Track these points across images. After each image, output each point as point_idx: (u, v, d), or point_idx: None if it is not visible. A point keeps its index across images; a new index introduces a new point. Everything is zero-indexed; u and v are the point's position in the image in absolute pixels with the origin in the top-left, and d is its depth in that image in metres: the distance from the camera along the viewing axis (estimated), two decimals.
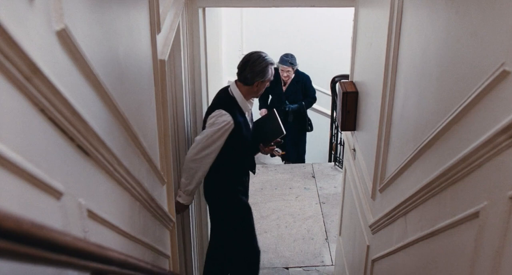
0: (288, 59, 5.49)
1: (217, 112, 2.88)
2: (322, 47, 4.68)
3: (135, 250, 1.63)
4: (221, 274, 3.42)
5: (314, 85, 5.92)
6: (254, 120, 3.31)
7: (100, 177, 1.22)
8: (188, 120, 3.08)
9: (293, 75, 5.65)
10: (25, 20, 0.76)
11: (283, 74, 5.54)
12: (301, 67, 5.53)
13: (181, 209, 2.92)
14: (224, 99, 3.02)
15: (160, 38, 1.97)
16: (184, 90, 2.81)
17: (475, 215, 1.22)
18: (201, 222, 3.63)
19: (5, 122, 0.71)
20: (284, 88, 5.62)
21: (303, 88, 5.66)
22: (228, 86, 3.12)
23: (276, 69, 5.19)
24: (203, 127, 2.95)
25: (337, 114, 3.25)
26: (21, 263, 0.58)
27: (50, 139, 0.89)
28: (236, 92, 3.04)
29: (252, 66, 2.98)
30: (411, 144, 1.80)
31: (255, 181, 5.39)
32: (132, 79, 1.58)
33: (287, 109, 5.59)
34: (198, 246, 3.65)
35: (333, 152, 5.65)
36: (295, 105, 5.61)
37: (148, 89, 1.86)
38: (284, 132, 3.19)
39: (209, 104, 3.48)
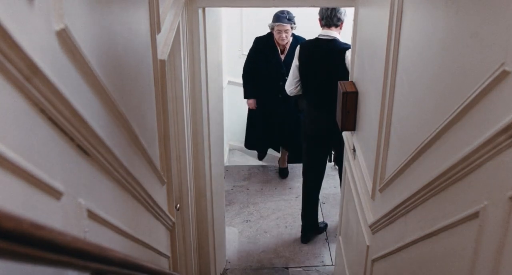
0: (285, 15, 4.37)
1: None
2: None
3: (135, 250, 1.63)
4: None
5: None
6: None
7: (100, 177, 1.22)
8: (188, 120, 3.08)
9: (291, 39, 4.57)
10: (25, 20, 0.76)
11: (281, 36, 4.43)
12: None
13: None
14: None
15: (160, 38, 1.97)
16: (184, 90, 2.81)
17: (475, 215, 1.22)
18: (201, 222, 3.63)
19: (5, 122, 0.71)
20: (282, 56, 4.58)
21: None
22: None
23: (270, 35, 4.66)
24: None
25: (337, 114, 3.25)
26: (21, 263, 0.58)
27: (50, 139, 0.89)
28: None
29: None
30: (411, 143, 1.80)
31: (255, 181, 5.39)
32: (132, 79, 1.58)
33: None
34: (198, 246, 3.65)
35: (333, 152, 5.65)
36: None
37: (148, 89, 1.86)
38: None
39: (209, 104, 3.48)
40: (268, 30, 4.73)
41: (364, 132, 2.83)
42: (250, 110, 5.12)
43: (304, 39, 4.42)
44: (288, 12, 4.40)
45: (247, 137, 5.33)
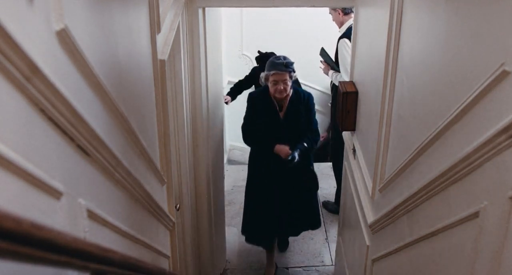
0: (281, 62, 3.35)
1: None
2: (323, 47, 4.67)
3: (135, 250, 1.63)
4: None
5: (315, 85, 5.90)
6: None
7: (100, 177, 1.22)
8: (188, 120, 3.08)
9: (291, 91, 3.49)
10: (25, 20, 0.76)
11: (278, 88, 3.32)
12: (302, 67, 5.49)
13: None
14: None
15: (160, 38, 1.97)
16: (184, 90, 2.81)
17: (475, 215, 1.22)
18: (201, 222, 3.63)
19: (5, 122, 0.71)
20: (281, 114, 3.46)
21: (305, 113, 3.61)
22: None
23: (265, 89, 3.58)
24: None
25: (337, 114, 3.25)
26: (21, 263, 0.58)
27: (50, 139, 0.89)
28: None
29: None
30: (411, 143, 1.80)
31: None
32: (132, 79, 1.58)
33: (290, 158, 3.48)
34: (198, 246, 3.65)
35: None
36: (300, 146, 3.56)
37: (148, 89, 1.86)
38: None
39: (209, 104, 3.48)
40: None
41: (364, 132, 2.83)
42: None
43: (306, 91, 3.63)
44: (285, 57, 3.41)
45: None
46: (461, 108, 1.30)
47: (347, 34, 3.97)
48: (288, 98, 3.51)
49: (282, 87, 3.38)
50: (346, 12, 4.10)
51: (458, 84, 1.35)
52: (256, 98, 3.61)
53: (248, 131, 3.63)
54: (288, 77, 3.38)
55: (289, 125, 3.53)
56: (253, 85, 4.79)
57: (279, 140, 3.52)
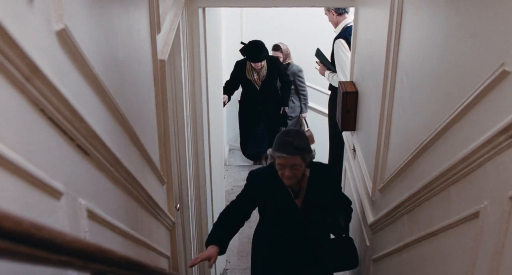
0: (291, 141, 2.36)
1: None
2: (323, 47, 4.66)
3: (135, 250, 1.63)
4: None
5: (314, 84, 5.90)
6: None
7: (100, 177, 1.22)
8: (188, 120, 3.07)
9: (308, 171, 2.57)
10: (25, 20, 0.76)
11: (286, 173, 2.39)
12: (302, 67, 5.50)
13: None
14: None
15: (160, 38, 1.97)
16: (184, 90, 2.81)
17: (475, 215, 1.22)
18: (201, 222, 3.63)
19: (5, 122, 0.71)
20: (298, 201, 2.54)
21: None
22: None
23: (272, 168, 2.69)
24: None
25: (337, 114, 3.25)
26: (21, 263, 0.58)
27: (50, 139, 0.89)
28: None
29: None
30: (411, 143, 1.80)
31: None
32: (132, 79, 1.58)
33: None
34: (198, 246, 3.65)
35: None
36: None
37: (148, 89, 1.86)
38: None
39: (209, 104, 3.48)
40: None
41: (364, 132, 2.83)
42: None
43: (322, 165, 2.66)
44: (296, 135, 2.37)
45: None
46: (461, 108, 1.30)
47: (342, 35, 3.98)
48: (306, 181, 2.50)
49: (290, 174, 2.35)
50: (340, 12, 4.10)
51: (458, 84, 1.35)
52: (260, 179, 2.54)
53: (230, 213, 2.58)
54: (300, 161, 2.32)
55: (309, 216, 2.55)
56: (240, 84, 5.30)
57: (297, 233, 2.57)
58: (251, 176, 2.58)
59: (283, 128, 5.13)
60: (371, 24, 2.65)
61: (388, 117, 2.19)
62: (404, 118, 1.97)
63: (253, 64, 5.08)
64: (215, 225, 2.56)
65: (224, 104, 4.84)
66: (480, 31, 1.21)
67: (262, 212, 2.64)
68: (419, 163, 1.74)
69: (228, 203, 2.66)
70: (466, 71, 1.30)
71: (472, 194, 1.26)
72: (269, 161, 2.60)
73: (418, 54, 1.78)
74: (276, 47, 5.47)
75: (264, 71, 5.18)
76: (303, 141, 2.34)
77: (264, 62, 5.09)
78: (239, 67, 5.20)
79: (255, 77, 5.20)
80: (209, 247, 2.40)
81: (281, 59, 5.40)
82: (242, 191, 2.59)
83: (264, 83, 5.22)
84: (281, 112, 5.40)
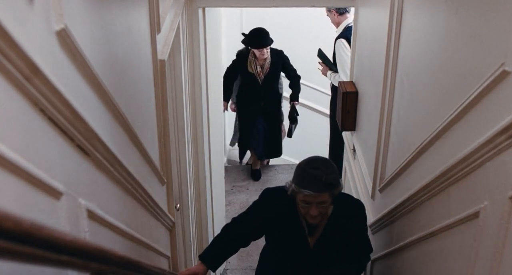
0: (321, 176, 1.91)
1: None
2: (323, 47, 4.66)
3: (135, 250, 1.63)
4: None
5: (315, 85, 5.90)
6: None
7: (100, 177, 1.22)
8: (188, 120, 3.08)
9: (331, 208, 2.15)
10: (25, 20, 0.76)
11: (311, 212, 1.99)
12: (302, 67, 5.48)
13: None
14: None
15: (160, 38, 1.97)
16: (184, 90, 2.81)
17: (475, 215, 1.22)
18: (201, 222, 3.63)
19: (5, 122, 0.71)
20: (311, 239, 2.14)
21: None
22: None
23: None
24: None
25: (337, 114, 3.25)
26: (21, 263, 0.58)
27: (50, 138, 0.89)
28: None
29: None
30: (411, 143, 1.80)
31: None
32: (132, 79, 1.58)
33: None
34: (198, 246, 3.65)
35: None
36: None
37: (148, 89, 1.86)
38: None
39: (209, 104, 3.48)
40: None
41: (364, 132, 2.83)
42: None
43: (350, 199, 2.24)
44: (324, 166, 1.93)
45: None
46: (461, 108, 1.30)
47: (344, 35, 3.98)
48: (327, 217, 2.09)
49: (317, 212, 1.96)
50: (341, 12, 4.12)
51: (458, 84, 1.35)
52: (274, 201, 2.15)
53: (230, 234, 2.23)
54: (327, 198, 1.93)
55: (322, 258, 2.16)
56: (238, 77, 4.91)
57: (304, 271, 2.21)
58: (266, 195, 2.18)
59: (294, 126, 5.08)
60: (371, 24, 2.65)
61: (388, 117, 2.19)
62: (404, 118, 1.97)
63: (257, 53, 4.61)
64: (214, 240, 2.26)
65: (225, 110, 4.79)
66: (480, 31, 1.21)
67: (269, 240, 2.29)
68: (419, 163, 1.74)
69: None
70: (466, 71, 1.30)
71: (472, 194, 1.26)
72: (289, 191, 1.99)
73: (418, 54, 1.78)
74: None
75: (268, 64, 4.73)
76: (333, 173, 1.90)
77: (268, 53, 4.67)
78: (240, 58, 4.76)
79: (258, 70, 4.74)
80: (199, 263, 2.15)
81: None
82: (250, 210, 2.21)
83: (267, 77, 4.78)
84: (290, 108, 4.99)
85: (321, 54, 4.38)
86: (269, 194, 2.18)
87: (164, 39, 2.12)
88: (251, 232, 2.20)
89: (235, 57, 4.89)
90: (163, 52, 2.02)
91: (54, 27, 0.89)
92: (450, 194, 1.44)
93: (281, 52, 4.83)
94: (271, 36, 4.77)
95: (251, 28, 5.05)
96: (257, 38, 4.57)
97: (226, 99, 4.77)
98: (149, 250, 1.87)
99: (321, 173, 1.87)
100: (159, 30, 1.93)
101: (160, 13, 1.94)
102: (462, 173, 1.31)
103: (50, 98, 0.85)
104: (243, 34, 4.72)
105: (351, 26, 3.75)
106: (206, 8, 3.16)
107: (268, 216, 2.12)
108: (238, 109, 5.12)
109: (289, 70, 4.88)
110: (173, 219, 2.40)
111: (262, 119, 5.00)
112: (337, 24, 4.22)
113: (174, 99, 2.74)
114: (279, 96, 5.02)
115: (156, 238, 2.05)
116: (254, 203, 2.23)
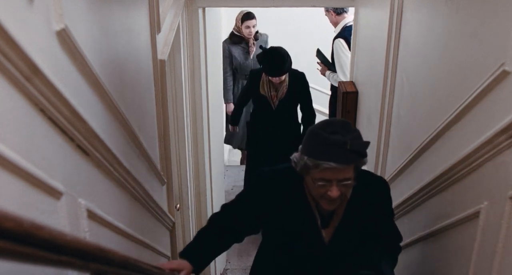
0: (344, 141, 1.38)
1: None
2: (323, 47, 4.65)
3: (135, 250, 1.63)
4: None
5: (314, 84, 5.89)
6: None
7: (100, 177, 1.22)
8: (188, 120, 3.08)
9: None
10: (25, 20, 0.76)
11: (332, 194, 1.44)
12: (302, 66, 5.47)
13: None
14: None
15: (160, 38, 1.97)
16: (184, 90, 2.81)
17: (475, 215, 1.22)
18: (201, 222, 3.63)
19: (5, 122, 0.71)
20: (326, 233, 1.59)
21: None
22: None
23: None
24: None
25: (337, 114, 3.26)
26: (21, 263, 0.58)
27: (50, 138, 0.89)
28: None
29: None
30: (411, 144, 1.80)
31: None
32: (132, 79, 1.58)
33: None
34: None
35: None
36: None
37: (148, 89, 1.86)
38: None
39: (209, 104, 3.48)
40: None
41: (364, 132, 2.83)
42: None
43: (372, 176, 1.77)
44: (344, 128, 1.44)
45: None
46: (461, 108, 1.30)
47: (342, 34, 3.99)
48: (345, 203, 1.57)
49: (337, 194, 1.45)
50: (338, 12, 4.14)
51: (458, 84, 1.35)
52: (270, 188, 1.63)
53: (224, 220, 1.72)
54: (352, 173, 1.46)
55: (340, 256, 1.63)
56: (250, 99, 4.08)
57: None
58: (259, 181, 1.66)
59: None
60: (371, 24, 2.65)
61: (388, 117, 2.19)
62: (404, 118, 1.97)
63: (271, 78, 3.70)
64: (199, 234, 1.73)
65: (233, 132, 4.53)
66: (480, 31, 1.21)
67: (267, 236, 1.77)
68: (419, 163, 1.74)
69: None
70: (466, 71, 1.30)
71: (472, 194, 1.26)
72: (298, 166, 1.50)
73: (418, 54, 1.78)
74: (251, 15, 4.43)
75: (284, 88, 3.76)
76: (359, 137, 1.44)
77: (286, 76, 3.69)
78: (253, 78, 3.86)
79: (272, 93, 3.79)
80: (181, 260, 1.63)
81: (256, 28, 4.44)
82: (244, 195, 1.72)
83: (282, 102, 3.79)
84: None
85: (319, 54, 4.39)
86: (264, 178, 1.65)
87: (164, 39, 2.12)
88: (245, 223, 1.68)
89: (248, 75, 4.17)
90: (163, 52, 2.02)
91: (54, 27, 0.89)
92: (450, 194, 1.44)
93: (302, 75, 3.82)
94: (270, 36, 4.75)
95: None
96: (272, 63, 3.58)
97: (234, 123, 4.27)
98: (149, 250, 1.87)
99: (344, 138, 1.39)
100: (159, 30, 1.93)
101: (160, 13, 1.94)
102: (462, 173, 1.31)
103: (50, 98, 0.85)
104: (260, 47, 3.87)
105: (349, 26, 3.75)
106: (206, 8, 3.16)
107: (266, 203, 1.61)
108: (248, 140, 4.28)
109: (307, 101, 3.91)
110: (173, 219, 2.40)
111: (272, 156, 3.68)
112: (335, 24, 4.24)
113: (174, 99, 2.74)
114: (296, 127, 3.99)
115: (156, 238, 2.05)
116: (245, 191, 1.76)
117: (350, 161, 1.40)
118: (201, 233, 1.72)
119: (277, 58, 3.56)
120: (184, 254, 1.65)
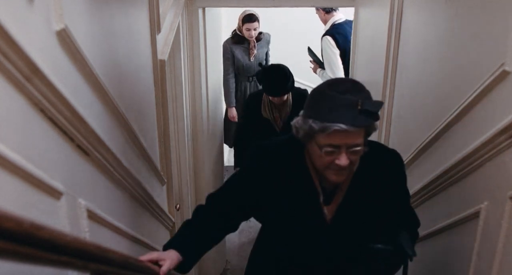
0: (353, 101, 1.21)
1: None
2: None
3: (135, 250, 1.63)
4: None
5: (308, 82, 5.89)
6: None
7: (100, 177, 1.22)
8: (188, 120, 3.08)
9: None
10: (25, 20, 0.76)
11: (340, 162, 1.27)
12: (302, 66, 5.46)
13: None
14: None
15: (160, 38, 1.97)
16: (184, 90, 2.81)
17: (475, 215, 1.22)
18: None
19: (5, 122, 0.71)
20: (328, 210, 1.40)
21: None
22: None
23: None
24: None
25: None
26: (21, 263, 0.58)
27: (50, 139, 0.89)
28: None
29: None
30: (411, 143, 1.80)
31: None
32: (132, 79, 1.58)
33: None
34: None
35: None
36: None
37: (148, 89, 1.86)
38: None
39: (209, 104, 3.48)
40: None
41: None
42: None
43: (381, 148, 1.59)
44: (355, 88, 1.27)
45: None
46: (461, 108, 1.30)
47: (330, 32, 4.05)
48: (351, 175, 1.39)
49: (347, 162, 1.28)
50: (327, 11, 4.22)
51: (458, 84, 1.35)
52: (267, 162, 1.45)
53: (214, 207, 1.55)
54: (362, 139, 1.29)
55: (344, 237, 1.45)
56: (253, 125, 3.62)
57: (319, 261, 1.49)
58: (254, 155, 1.47)
59: None
60: (371, 24, 2.65)
61: (388, 118, 2.19)
62: (404, 118, 1.97)
63: (272, 98, 3.37)
64: (183, 226, 1.54)
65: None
66: (480, 32, 1.21)
67: (264, 220, 1.59)
68: (419, 163, 1.74)
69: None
70: (466, 72, 1.30)
71: (472, 194, 1.26)
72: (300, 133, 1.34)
73: (418, 54, 1.78)
74: (253, 18, 4.16)
75: (288, 108, 3.43)
76: (370, 97, 1.27)
77: (289, 94, 3.36)
78: (252, 101, 3.51)
79: (275, 115, 3.49)
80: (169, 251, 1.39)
81: (258, 30, 4.23)
82: (234, 179, 1.52)
83: (286, 123, 3.34)
84: None
85: (311, 52, 4.43)
86: (260, 152, 1.46)
87: (164, 39, 2.12)
88: (237, 214, 1.50)
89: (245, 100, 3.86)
90: (163, 52, 2.02)
91: (54, 27, 0.89)
92: (450, 194, 1.44)
93: (305, 92, 3.42)
94: (271, 36, 4.73)
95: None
96: (273, 83, 3.24)
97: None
98: (149, 250, 1.87)
99: (354, 97, 1.22)
100: (159, 30, 1.93)
101: (160, 13, 1.94)
102: (462, 173, 1.31)
103: (50, 99, 0.85)
104: (259, 65, 3.71)
105: (338, 24, 3.86)
106: (206, 8, 3.16)
107: (262, 179, 1.41)
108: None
109: None
110: (173, 219, 2.40)
111: None
112: (324, 22, 4.31)
113: (174, 99, 2.74)
114: None
115: (156, 238, 2.05)
116: (240, 170, 1.54)
117: (362, 123, 1.22)
118: (186, 223, 1.52)
119: (278, 77, 3.21)
120: (169, 244, 1.42)
